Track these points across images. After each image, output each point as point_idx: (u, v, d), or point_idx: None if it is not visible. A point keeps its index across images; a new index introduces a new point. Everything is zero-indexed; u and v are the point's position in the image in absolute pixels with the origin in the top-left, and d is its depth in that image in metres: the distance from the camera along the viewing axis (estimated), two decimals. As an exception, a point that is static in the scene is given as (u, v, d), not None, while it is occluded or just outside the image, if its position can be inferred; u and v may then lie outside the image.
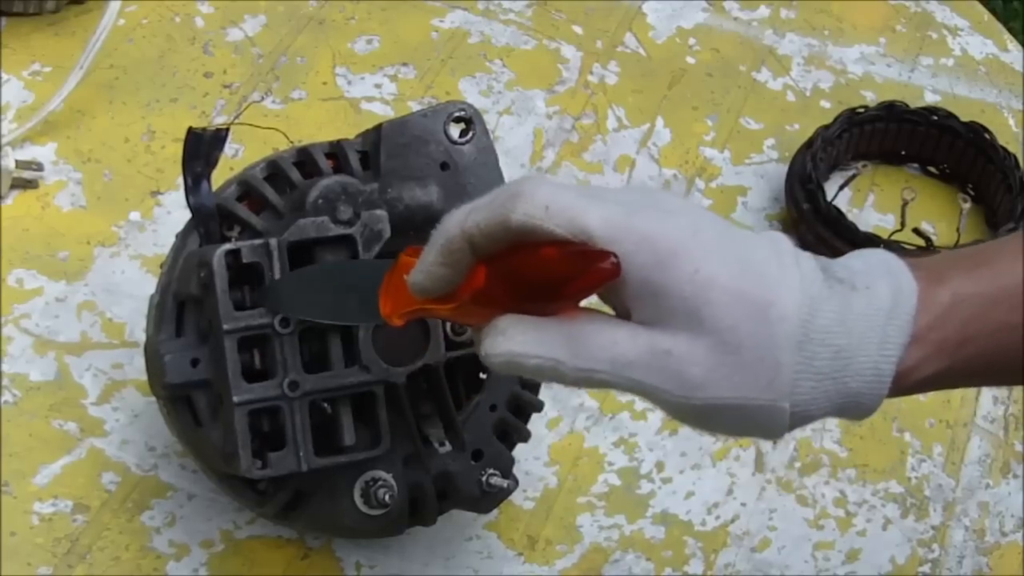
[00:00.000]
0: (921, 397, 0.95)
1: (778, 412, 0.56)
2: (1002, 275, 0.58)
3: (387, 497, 0.74)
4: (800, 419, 0.56)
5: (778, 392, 0.55)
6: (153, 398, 0.77)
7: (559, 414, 0.90)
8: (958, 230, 1.02)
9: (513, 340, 0.55)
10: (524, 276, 0.55)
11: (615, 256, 0.54)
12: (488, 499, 0.78)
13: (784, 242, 0.57)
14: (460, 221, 0.56)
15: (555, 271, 0.55)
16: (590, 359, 0.55)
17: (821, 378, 0.55)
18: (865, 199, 1.05)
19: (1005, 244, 0.61)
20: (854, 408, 0.57)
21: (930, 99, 1.12)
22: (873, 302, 0.56)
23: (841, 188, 1.04)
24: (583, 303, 0.57)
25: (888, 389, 0.57)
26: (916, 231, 1.02)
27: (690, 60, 1.11)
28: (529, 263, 0.55)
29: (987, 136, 1.03)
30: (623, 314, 0.56)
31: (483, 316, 0.57)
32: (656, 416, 0.91)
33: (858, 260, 0.58)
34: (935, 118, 1.05)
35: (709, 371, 0.55)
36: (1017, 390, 0.96)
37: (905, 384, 0.57)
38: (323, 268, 0.72)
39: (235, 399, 0.71)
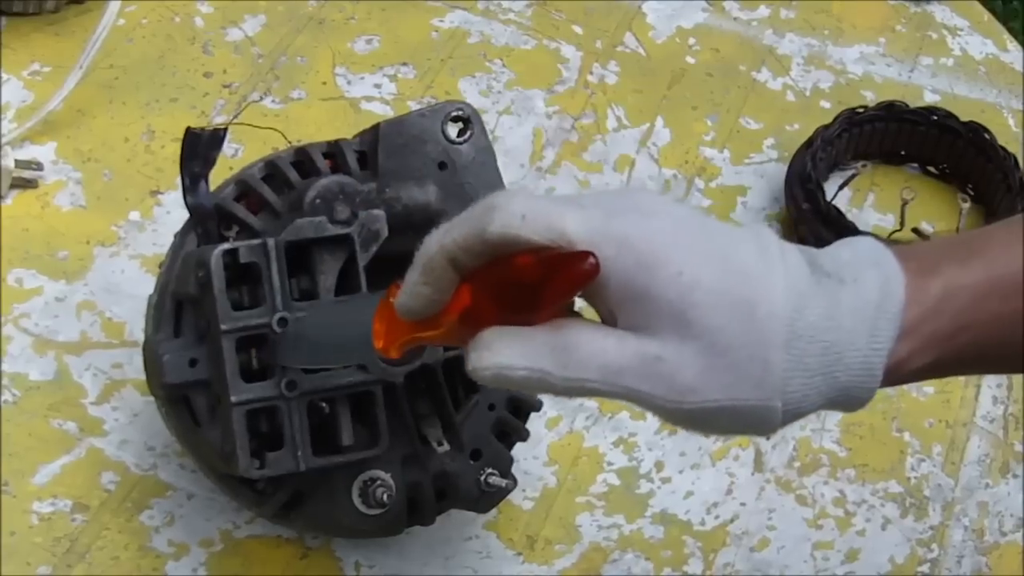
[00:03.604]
0: (921, 397, 0.95)
1: (770, 411, 0.55)
2: (994, 265, 0.58)
3: (385, 497, 0.74)
4: (792, 415, 0.56)
5: (769, 391, 0.55)
6: (152, 398, 0.77)
7: (558, 414, 0.90)
8: (958, 230, 1.02)
9: (499, 353, 0.55)
10: (506, 287, 0.55)
11: (593, 256, 0.53)
12: (487, 499, 0.78)
13: (767, 235, 0.57)
14: (439, 239, 0.56)
15: (534, 276, 0.54)
16: (579, 368, 0.54)
17: (811, 374, 0.55)
18: (865, 199, 1.05)
19: (995, 232, 0.60)
20: (845, 401, 0.57)
21: (930, 99, 1.12)
22: (861, 295, 0.56)
23: (841, 188, 1.04)
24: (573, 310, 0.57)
25: (879, 382, 0.56)
26: (916, 231, 1.02)
27: (690, 60, 1.11)
28: (509, 272, 0.55)
29: (987, 136, 1.03)
30: (609, 320, 0.56)
31: (472, 336, 0.56)
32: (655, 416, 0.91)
33: (846, 249, 0.58)
34: (935, 118, 1.05)
35: (699, 375, 0.54)
36: (1017, 390, 0.96)
37: (897, 375, 0.57)
38: (318, 314, 0.71)
39: (233, 399, 0.71)
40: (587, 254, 0.53)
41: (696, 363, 0.54)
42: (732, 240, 0.56)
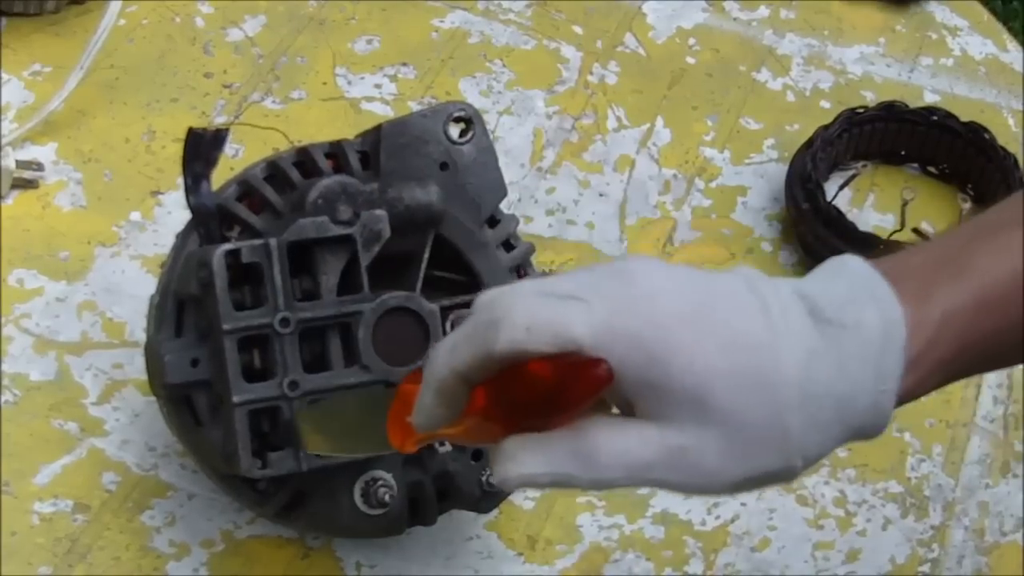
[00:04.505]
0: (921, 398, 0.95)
1: (791, 470, 0.56)
2: (983, 280, 0.57)
3: (387, 497, 0.74)
4: (809, 464, 0.56)
5: (789, 454, 0.55)
6: (153, 398, 0.77)
7: (559, 414, 0.90)
8: (958, 230, 1.02)
9: (523, 464, 0.55)
10: (521, 395, 0.55)
11: (606, 363, 0.53)
12: (488, 499, 0.78)
13: (764, 287, 0.56)
14: (446, 362, 0.55)
15: (549, 387, 0.54)
16: (604, 469, 0.54)
17: (826, 427, 0.55)
18: (865, 199, 1.05)
19: (978, 237, 0.59)
20: (859, 439, 0.57)
21: (930, 99, 1.12)
22: (864, 339, 0.55)
23: (841, 188, 1.04)
24: None
25: (889, 419, 0.57)
26: (916, 231, 1.02)
27: (690, 60, 1.11)
28: (522, 382, 0.54)
29: (986, 136, 1.03)
30: (626, 409, 0.56)
31: (491, 432, 0.56)
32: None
33: (840, 283, 0.57)
34: (935, 118, 1.05)
35: (723, 458, 0.54)
36: (1017, 390, 0.96)
37: (905, 400, 0.57)
38: (333, 404, 0.72)
39: (235, 399, 0.71)
40: (599, 361, 0.53)
41: (719, 447, 0.54)
42: (734, 306, 0.55)
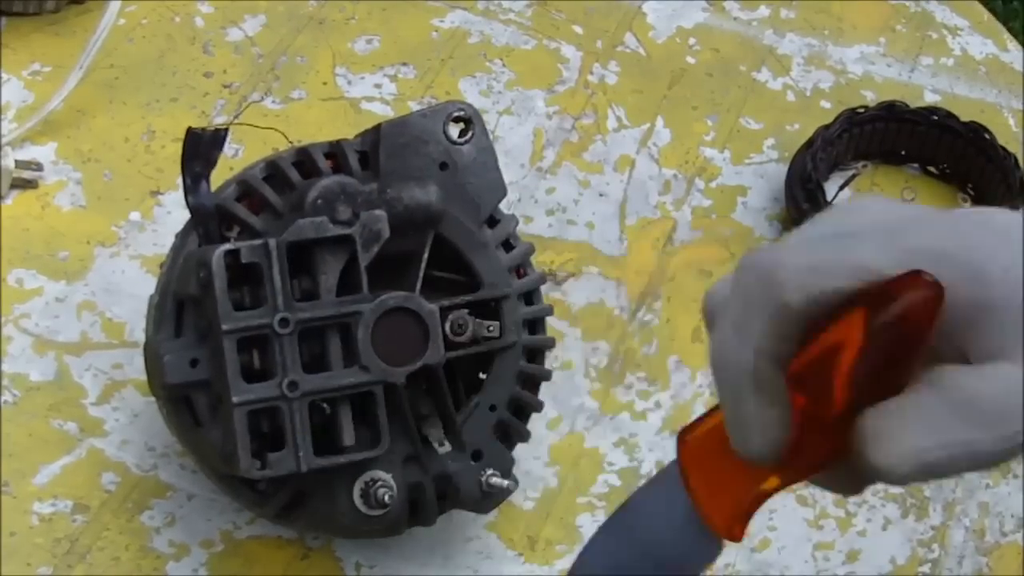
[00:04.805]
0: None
1: None
2: None
3: (386, 497, 0.74)
4: None
5: None
6: (153, 398, 0.77)
7: (559, 414, 0.90)
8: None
9: (902, 440, 0.43)
10: (846, 360, 0.44)
11: (925, 272, 0.43)
12: (488, 499, 0.78)
13: (992, 211, 0.47)
14: (741, 347, 0.45)
15: (881, 329, 0.43)
16: (1002, 419, 0.43)
17: None
18: (865, 199, 1.05)
19: None
20: None
21: (930, 99, 1.12)
22: None
23: (841, 188, 1.04)
24: None
25: None
26: (916, 231, 1.02)
27: (690, 60, 1.11)
28: (841, 342, 0.44)
29: (987, 136, 1.03)
30: (955, 361, 0.45)
31: (825, 450, 0.45)
32: (656, 416, 0.91)
33: None
34: (935, 118, 1.05)
35: None
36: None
37: None
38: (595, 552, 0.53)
39: (234, 399, 0.71)
40: (917, 273, 0.43)
41: None
42: (985, 222, 0.46)
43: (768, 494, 0.46)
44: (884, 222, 0.46)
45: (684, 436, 0.47)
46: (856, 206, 0.48)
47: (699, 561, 0.48)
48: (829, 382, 0.44)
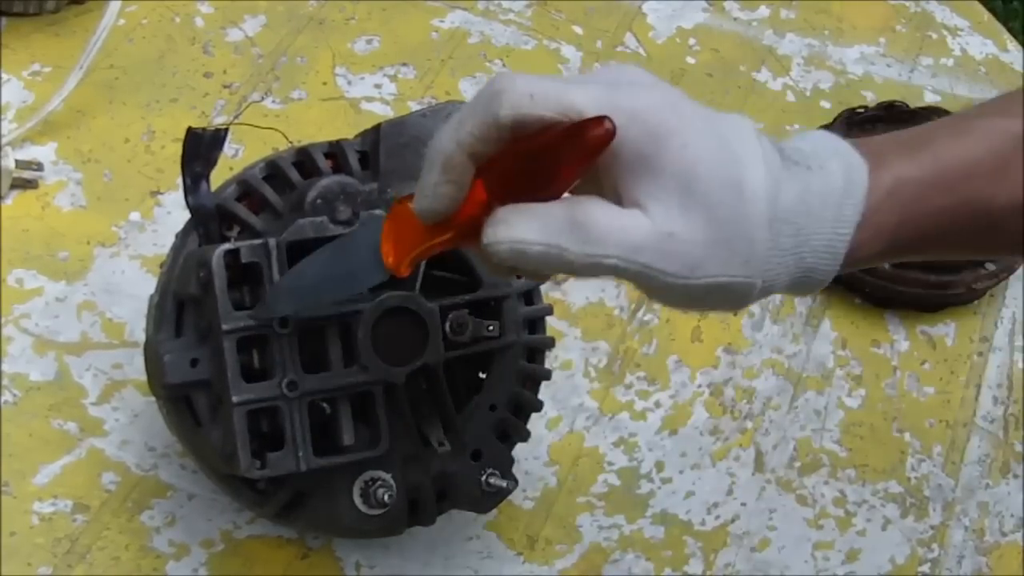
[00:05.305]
0: (921, 397, 0.95)
1: (751, 287, 0.57)
2: (940, 158, 0.59)
3: (386, 497, 0.74)
4: (763, 293, 0.58)
5: (753, 269, 0.56)
6: (153, 398, 0.77)
7: (559, 414, 0.90)
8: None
9: (515, 227, 0.55)
10: (521, 168, 0.55)
11: (609, 120, 0.54)
12: (488, 499, 0.78)
13: (748, 123, 0.58)
14: (452, 136, 0.56)
15: (553, 148, 0.54)
16: (597, 244, 0.55)
17: (784, 254, 0.57)
18: (865, 199, 1.05)
19: (939, 128, 0.62)
20: (807, 283, 0.59)
21: (930, 99, 1.12)
22: (828, 182, 0.57)
23: (841, 188, 1.04)
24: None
25: (839, 265, 0.58)
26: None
27: (690, 60, 1.11)
28: (522, 150, 0.55)
29: (987, 136, 1.03)
30: (614, 201, 0.56)
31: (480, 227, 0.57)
32: (656, 416, 0.91)
33: (804, 142, 0.59)
34: (935, 118, 1.05)
35: (705, 250, 0.55)
36: (1017, 390, 0.96)
37: (851, 260, 0.59)
38: (309, 259, 0.70)
39: (234, 399, 0.71)
40: (603, 118, 0.54)
41: (702, 238, 0.55)
42: (721, 120, 0.57)
43: (433, 248, 0.59)
44: (623, 81, 0.57)
45: (403, 198, 0.60)
46: (623, 67, 0.59)
47: (369, 282, 0.63)
48: (499, 185, 0.56)
